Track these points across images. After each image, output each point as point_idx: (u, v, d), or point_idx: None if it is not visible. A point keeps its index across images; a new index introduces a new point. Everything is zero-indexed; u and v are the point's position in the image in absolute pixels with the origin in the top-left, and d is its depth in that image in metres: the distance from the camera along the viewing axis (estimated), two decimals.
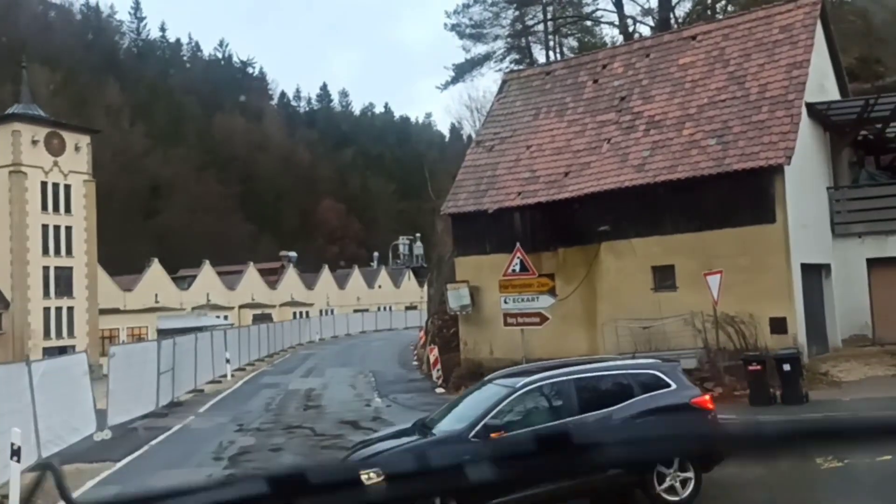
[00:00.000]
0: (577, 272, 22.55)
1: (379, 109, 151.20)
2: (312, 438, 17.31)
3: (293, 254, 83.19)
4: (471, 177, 25.29)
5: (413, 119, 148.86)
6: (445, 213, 25.05)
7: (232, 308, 67.27)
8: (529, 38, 50.91)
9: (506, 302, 20.80)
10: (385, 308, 79.62)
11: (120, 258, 69.02)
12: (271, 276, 74.38)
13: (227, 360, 32.44)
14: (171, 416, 22.03)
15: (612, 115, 23.83)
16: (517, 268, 20.60)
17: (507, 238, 22.72)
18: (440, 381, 25.04)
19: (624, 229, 21.77)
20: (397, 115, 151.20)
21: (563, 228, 22.86)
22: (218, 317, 63.07)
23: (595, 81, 25.38)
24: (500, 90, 27.93)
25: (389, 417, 19.98)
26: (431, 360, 26.44)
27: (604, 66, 25.61)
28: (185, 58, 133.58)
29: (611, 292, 21.85)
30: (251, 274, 70.99)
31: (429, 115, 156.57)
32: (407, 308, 79.37)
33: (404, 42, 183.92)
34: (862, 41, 39.79)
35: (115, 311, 56.43)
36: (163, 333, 47.01)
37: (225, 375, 31.99)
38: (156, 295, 61.25)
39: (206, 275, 66.68)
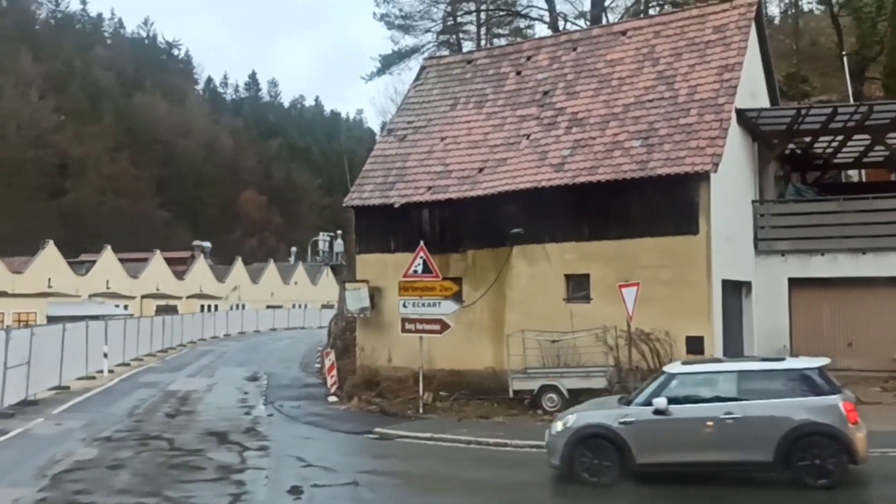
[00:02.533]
0: (486, 277, 20.74)
1: (309, 103, 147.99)
2: (165, 454, 14.93)
3: (207, 244, 79.58)
4: (379, 167, 23.22)
5: (344, 115, 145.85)
6: (349, 205, 22.89)
7: (134, 297, 63.39)
8: (460, 34, 49.29)
9: (405, 306, 18.91)
10: (300, 305, 76.71)
11: (20, 238, 64.38)
12: (180, 266, 70.65)
13: (105, 355, 29.48)
14: (16, 418, 19.23)
15: (533, 110, 22.13)
16: (419, 269, 18.75)
17: (414, 235, 20.78)
18: (333, 389, 22.89)
19: (539, 233, 20.05)
20: (328, 109, 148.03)
21: (474, 228, 21.03)
22: (117, 306, 59.23)
23: (518, 73, 23.65)
24: (418, 76, 25.96)
25: (266, 429, 17.79)
26: (327, 365, 24.24)
27: (528, 58, 23.92)
28: (106, 34, 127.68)
29: (521, 300, 20.10)
30: (157, 262, 67.19)
31: (360, 112, 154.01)
32: (323, 306, 76.37)
33: (341, 37, 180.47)
34: (790, 60, 39.55)
35: (2, 294, 52.17)
36: (53, 321, 43.34)
37: (101, 371, 29.06)
38: (49, 279, 57.02)
39: (107, 261, 62.65)
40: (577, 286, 19.68)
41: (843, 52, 32.56)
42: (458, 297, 19.86)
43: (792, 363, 11.84)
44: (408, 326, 18.86)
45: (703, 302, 18.02)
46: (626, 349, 17.00)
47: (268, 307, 72.07)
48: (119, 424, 18.42)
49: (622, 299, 16.56)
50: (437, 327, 18.46)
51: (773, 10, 50.38)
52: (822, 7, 46.88)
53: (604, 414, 11.62)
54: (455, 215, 21.20)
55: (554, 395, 17.45)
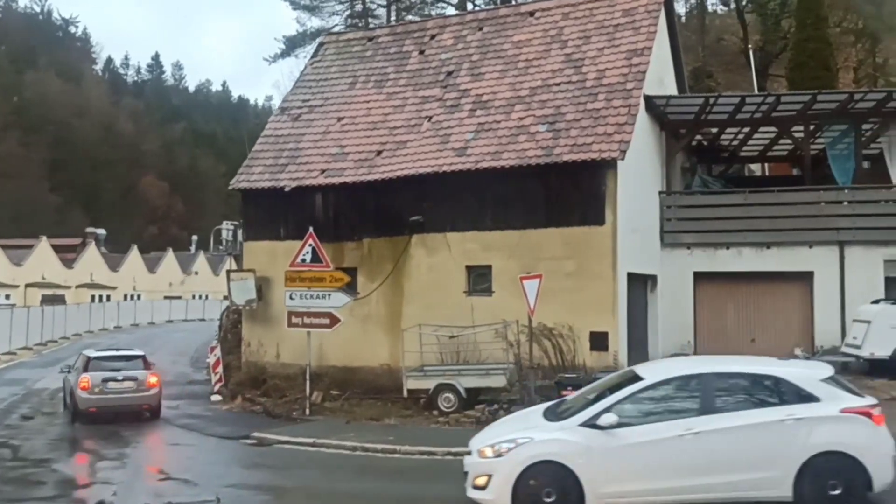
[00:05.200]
0: (383, 267, 19.43)
1: (216, 87, 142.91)
2: (3, 465, 13.05)
3: (101, 231, 75.30)
4: (270, 148, 21.55)
5: (252, 101, 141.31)
6: (235, 188, 21.12)
7: (17, 286, 59.17)
8: (370, 19, 47.76)
9: (291, 298, 17.39)
10: (200, 296, 73.49)
11: None
12: (69, 254, 66.45)
13: None
14: None
15: (436, 91, 20.90)
16: (308, 257, 17.27)
17: (306, 222, 19.12)
18: (217, 388, 21.13)
19: (439, 221, 18.87)
20: (236, 94, 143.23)
21: (370, 215, 19.68)
22: None
23: (421, 52, 22.38)
24: (316, 53, 24.41)
25: (131, 434, 15.97)
26: (212, 361, 22.45)
27: (432, 37, 22.67)
28: None
29: (419, 293, 18.89)
30: (43, 249, 62.95)
31: (269, 99, 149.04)
32: (225, 297, 73.40)
33: (252, 21, 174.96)
34: (695, 55, 39.69)
35: None
36: None
37: None
38: None
39: None
40: (479, 278, 18.63)
41: (749, 46, 32.64)
42: (351, 288, 18.51)
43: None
44: (294, 320, 17.35)
45: (607, 296, 17.22)
46: (528, 345, 15.96)
47: (165, 298, 68.78)
48: None
49: (523, 292, 15.50)
50: (327, 321, 17.03)
51: (680, 8, 51.03)
52: (726, 8, 47.57)
53: None
54: (350, 201, 19.81)
55: (451, 395, 16.27)
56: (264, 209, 20.84)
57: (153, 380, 17.69)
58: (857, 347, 17.98)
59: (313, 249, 17.17)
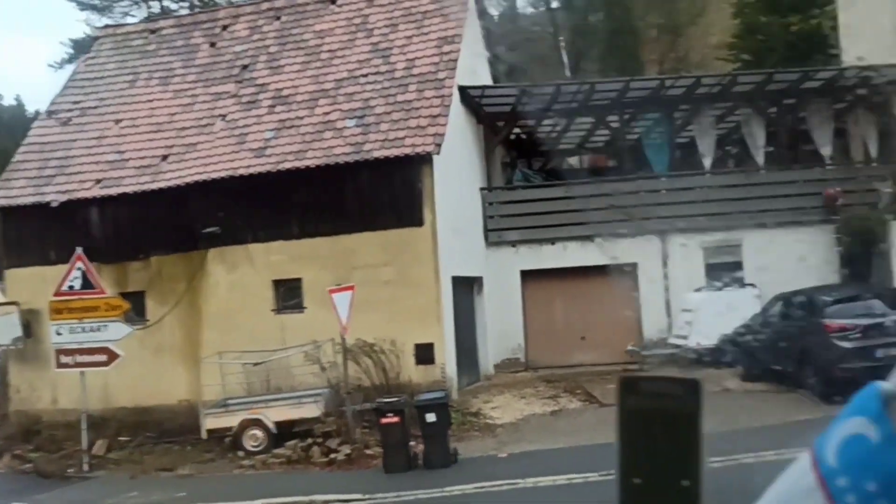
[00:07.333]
0: (176, 288, 16.91)
1: (8, 102, 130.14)
2: None
3: None
4: (35, 158, 18.43)
5: None
6: None
7: None
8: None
9: (59, 333, 14.59)
10: None
11: None
12: None
13: None
14: None
15: (230, 87, 18.64)
16: (77, 283, 14.51)
17: (81, 241, 16.04)
18: None
19: (239, 231, 16.65)
20: (31, 108, 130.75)
21: (158, 229, 17.07)
22: None
23: (212, 45, 20.01)
24: (90, 50, 21.36)
25: None
26: None
27: (224, 28, 20.36)
28: None
29: (220, 314, 16.55)
30: None
31: None
32: None
33: (44, 29, 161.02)
34: (509, 53, 39.54)
35: None
36: None
37: None
38: None
39: None
40: (289, 293, 16.62)
41: (561, 40, 32.63)
42: (137, 315, 15.92)
43: None
44: (64, 360, 14.51)
45: (431, 303, 15.75)
46: (343, 366, 14.10)
47: None
48: None
49: (333, 306, 13.64)
50: (104, 358, 14.34)
51: (492, 10, 51.17)
52: (535, 10, 48.09)
53: None
54: (133, 214, 17.13)
55: (258, 432, 14.07)
56: (29, 229, 17.62)
57: None
58: (685, 338, 17.57)
59: (83, 273, 14.44)
